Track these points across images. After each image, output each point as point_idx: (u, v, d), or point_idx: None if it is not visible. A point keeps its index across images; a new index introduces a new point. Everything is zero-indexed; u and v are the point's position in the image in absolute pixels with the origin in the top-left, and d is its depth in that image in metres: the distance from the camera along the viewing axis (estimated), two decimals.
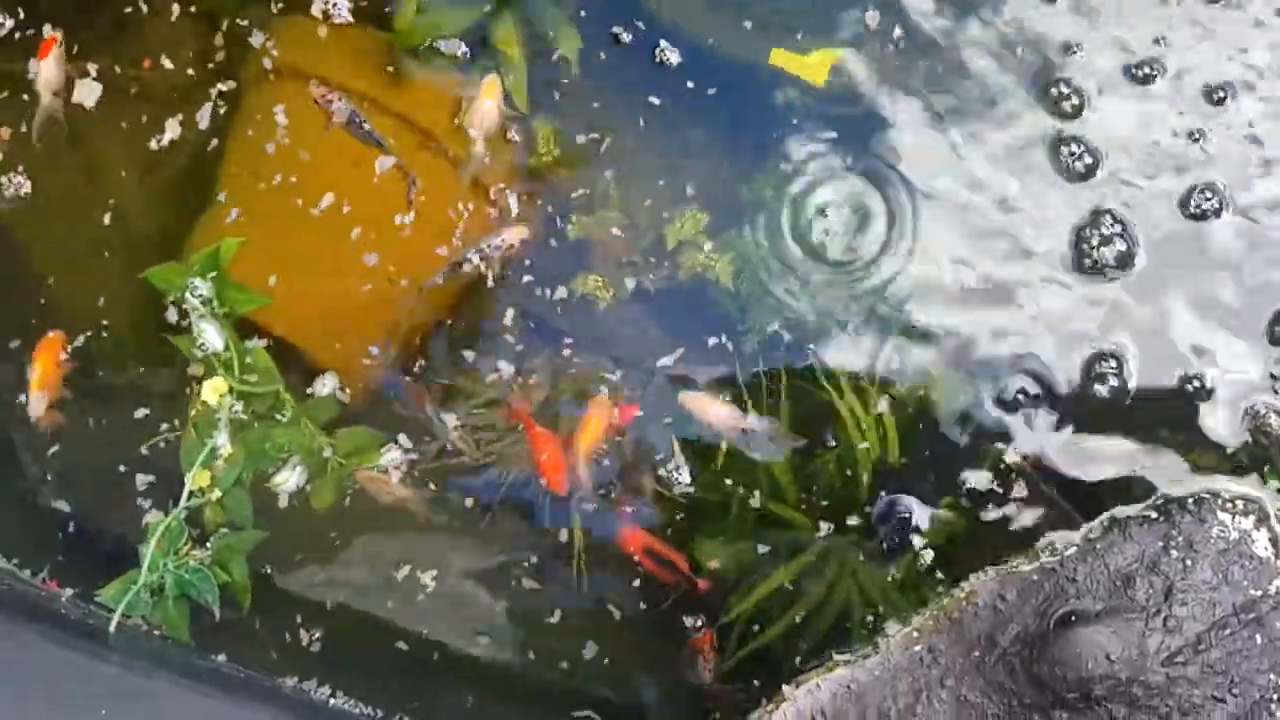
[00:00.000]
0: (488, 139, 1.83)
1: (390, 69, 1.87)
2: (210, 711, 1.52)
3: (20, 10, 1.93)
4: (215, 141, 1.90)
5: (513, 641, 1.80)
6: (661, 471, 1.79)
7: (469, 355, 1.86)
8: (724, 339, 1.83)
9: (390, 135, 1.83)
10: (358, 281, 1.82)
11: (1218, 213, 1.75)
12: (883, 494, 1.74)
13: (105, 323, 1.87)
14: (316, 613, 1.80)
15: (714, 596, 1.77)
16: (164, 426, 1.82)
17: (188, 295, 1.72)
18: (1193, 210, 1.74)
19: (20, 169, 1.90)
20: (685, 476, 1.79)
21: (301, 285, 1.83)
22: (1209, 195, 1.74)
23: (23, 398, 1.82)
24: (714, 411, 1.78)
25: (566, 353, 1.84)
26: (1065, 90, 1.80)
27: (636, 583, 1.79)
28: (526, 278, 1.86)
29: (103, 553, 1.82)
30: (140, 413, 1.83)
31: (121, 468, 1.82)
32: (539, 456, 1.77)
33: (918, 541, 1.71)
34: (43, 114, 1.88)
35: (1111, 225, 1.75)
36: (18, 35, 1.93)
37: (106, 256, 1.90)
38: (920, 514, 1.72)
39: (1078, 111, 1.79)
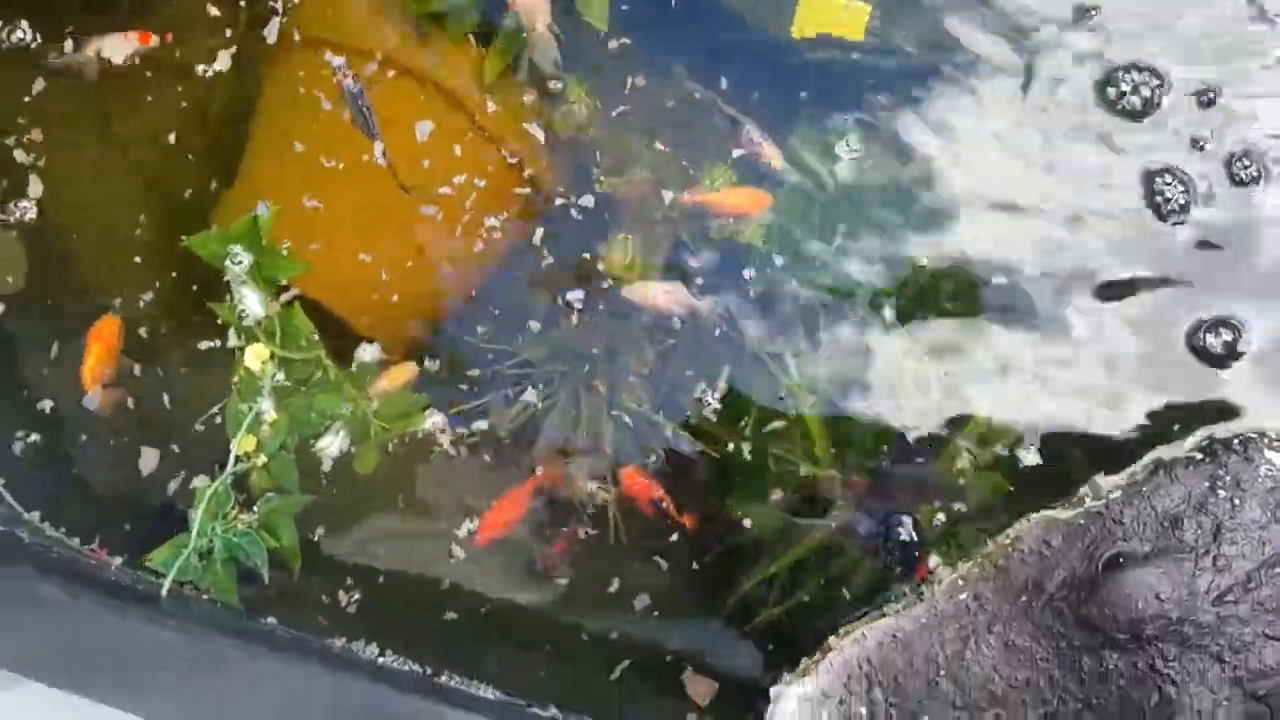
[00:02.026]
0: (543, 24, 1.82)
1: (417, 31, 1.87)
2: (272, 673, 1.54)
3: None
4: (241, 110, 1.91)
5: (554, 598, 1.81)
6: (696, 394, 1.79)
7: (500, 316, 1.87)
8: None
9: (419, 97, 1.83)
10: (390, 250, 1.83)
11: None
12: (879, 515, 1.73)
13: (146, 297, 1.89)
14: (364, 575, 1.81)
15: (745, 551, 1.77)
16: (209, 397, 1.84)
17: (228, 263, 1.74)
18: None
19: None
20: (714, 399, 1.79)
21: (334, 254, 1.83)
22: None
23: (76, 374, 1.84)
24: (656, 295, 1.77)
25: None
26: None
27: (675, 537, 1.79)
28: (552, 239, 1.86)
29: (150, 524, 1.84)
30: (185, 384, 1.86)
31: (167, 439, 1.85)
32: None
33: (930, 560, 1.70)
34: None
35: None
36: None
37: (138, 233, 1.91)
38: (912, 530, 1.71)
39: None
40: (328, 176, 1.83)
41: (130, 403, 1.86)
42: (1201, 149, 1.71)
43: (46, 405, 1.87)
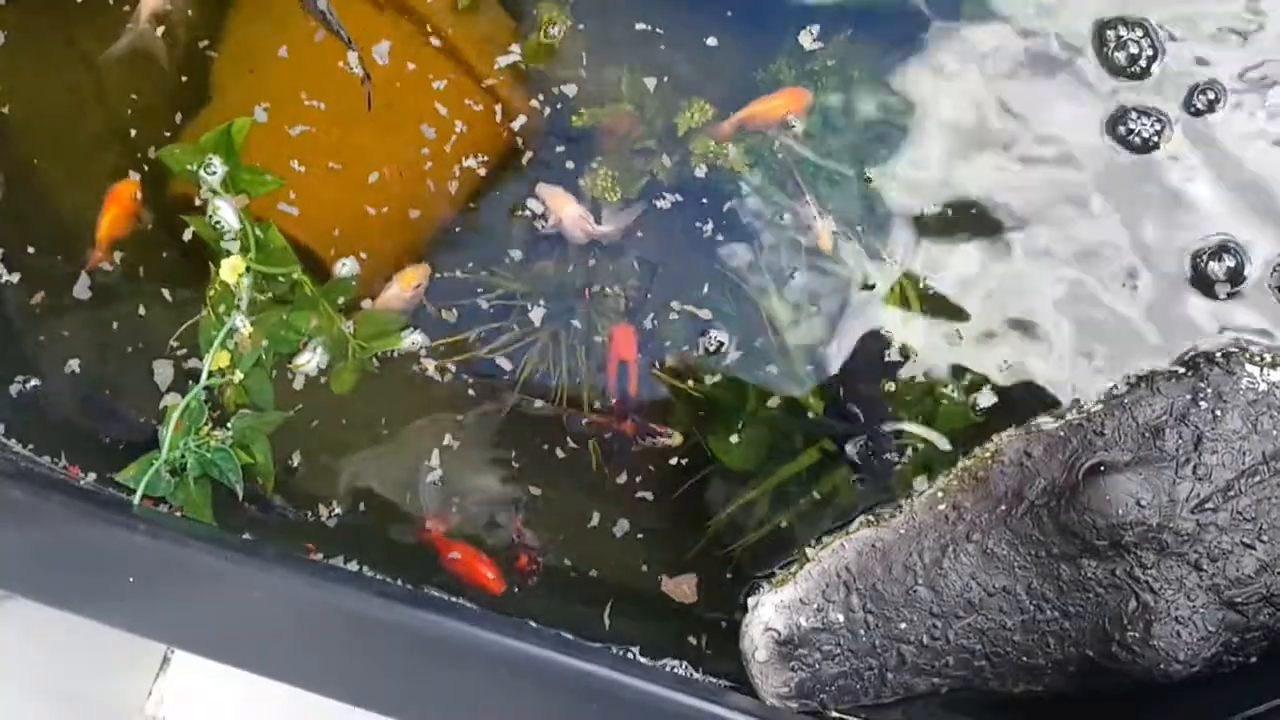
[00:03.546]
0: None
1: None
2: (243, 578, 1.51)
3: None
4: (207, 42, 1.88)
5: (541, 523, 1.80)
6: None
7: (481, 247, 1.84)
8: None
9: (396, 28, 1.81)
10: (364, 181, 1.81)
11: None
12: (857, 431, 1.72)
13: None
14: (343, 497, 1.79)
15: (724, 478, 1.76)
16: (183, 315, 1.82)
17: (202, 173, 1.71)
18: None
19: None
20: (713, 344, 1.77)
21: (307, 183, 1.81)
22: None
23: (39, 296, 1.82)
24: (566, 210, 1.74)
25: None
26: None
27: (652, 468, 1.78)
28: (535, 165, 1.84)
29: (123, 442, 1.82)
30: (160, 302, 1.83)
31: (141, 357, 1.82)
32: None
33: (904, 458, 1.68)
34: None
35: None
36: None
37: (109, 160, 1.86)
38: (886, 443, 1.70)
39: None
40: (297, 109, 1.80)
41: (106, 317, 1.83)
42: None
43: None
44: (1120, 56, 1.70)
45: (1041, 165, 1.73)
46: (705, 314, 1.78)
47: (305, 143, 1.82)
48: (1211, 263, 1.63)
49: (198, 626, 1.44)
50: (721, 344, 1.76)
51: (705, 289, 1.78)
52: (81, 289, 1.82)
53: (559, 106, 1.83)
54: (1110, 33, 1.72)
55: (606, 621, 1.73)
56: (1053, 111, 1.73)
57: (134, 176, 1.82)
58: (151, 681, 1.93)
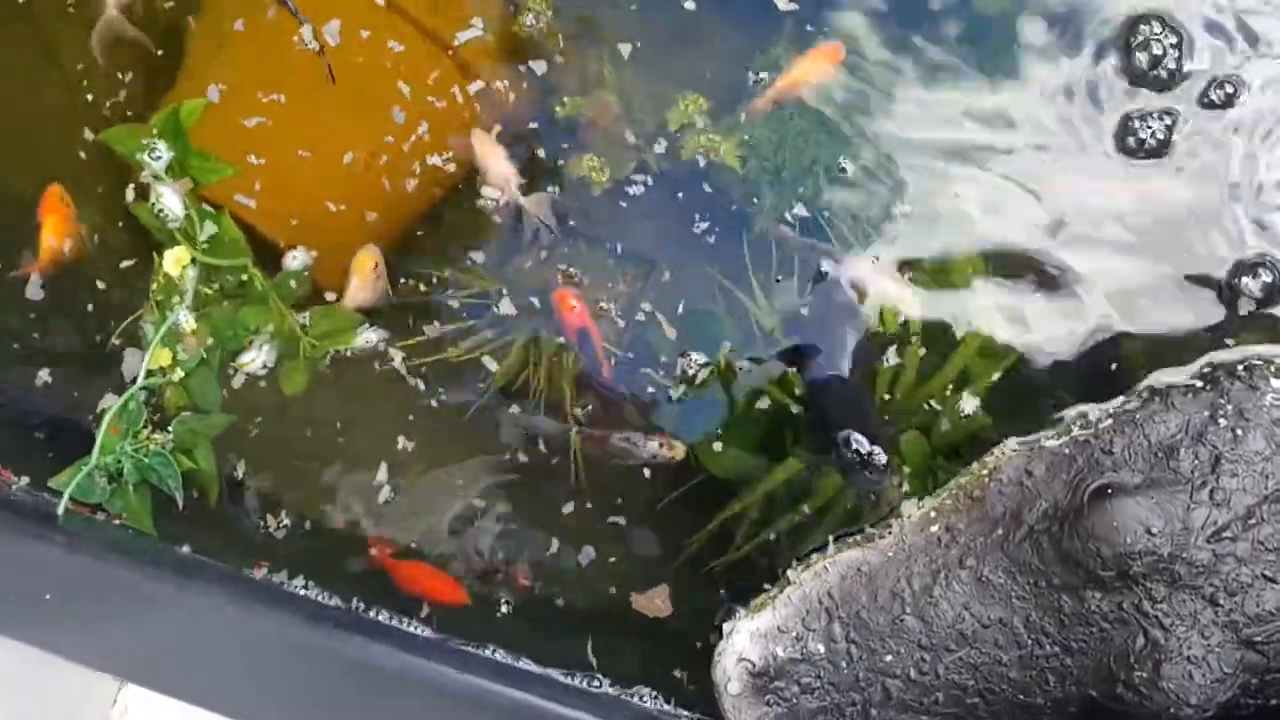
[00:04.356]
0: None
1: None
2: (164, 598, 1.40)
3: None
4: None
5: (506, 544, 1.69)
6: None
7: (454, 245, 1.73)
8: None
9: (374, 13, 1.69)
10: (335, 167, 1.69)
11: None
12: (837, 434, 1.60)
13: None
14: (293, 507, 1.67)
15: (719, 488, 1.64)
16: (129, 309, 1.70)
17: (145, 158, 1.60)
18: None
19: None
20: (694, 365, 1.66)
21: (275, 168, 1.69)
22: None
23: None
24: (495, 163, 1.63)
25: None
26: None
27: (634, 479, 1.66)
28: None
29: (63, 444, 1.70)
30: (102, 297, 1.72)
31: (86, 353, 1.71)
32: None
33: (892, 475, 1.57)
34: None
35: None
36: None
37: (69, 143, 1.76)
38: (871, 446, 1.57)
39: None
40: (271, 79, 1.68)
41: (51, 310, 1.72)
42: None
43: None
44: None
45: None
46: (672, 333, 1.67)
47: (271, 129, 1.70)
48: (1245, 278, 1.50)
49: (118, 647, 1.33)
50: (703, 364, 1.65)
51: (694, 292, 1.67)
52: (34, 289, 1.71)
53: (541, 94, 1.72)
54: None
55: (591, 656, 1.62)
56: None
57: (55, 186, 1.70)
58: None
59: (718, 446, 1.65)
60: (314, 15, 1.67)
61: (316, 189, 1.69)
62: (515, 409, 1.68)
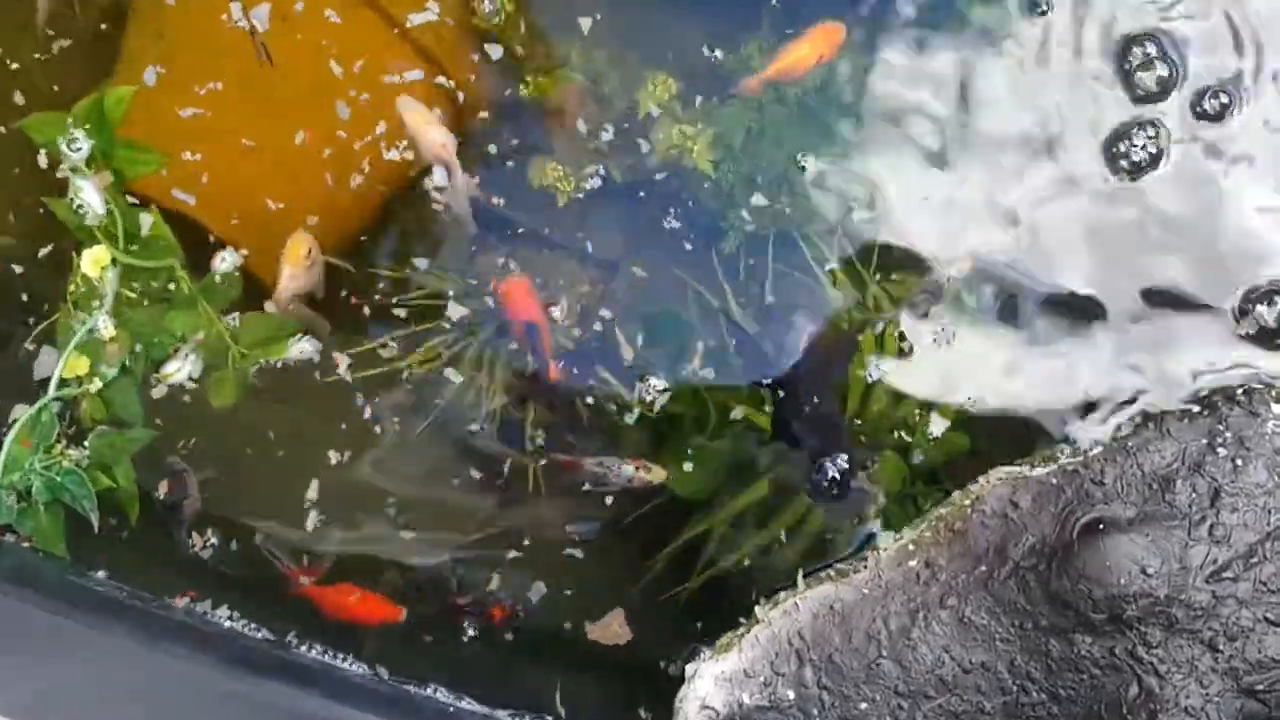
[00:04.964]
0: None
1: None
2: (81, 639, 1.28)
3: None
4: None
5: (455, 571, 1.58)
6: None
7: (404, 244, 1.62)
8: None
9: None
10: (279, 158, 1.58)
11: None
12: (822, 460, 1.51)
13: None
14: (218, 528, 1.56)
15: (681, 508, 1.54)
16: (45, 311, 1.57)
17: (64, 148, 1.47)
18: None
19: None
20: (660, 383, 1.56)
21: (217, 159, 1.58)
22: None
23: None
24: (428, 132, 1.53)
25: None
26: None
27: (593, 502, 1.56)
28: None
29: None
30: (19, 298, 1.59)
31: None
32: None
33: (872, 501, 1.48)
34: None
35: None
36: None
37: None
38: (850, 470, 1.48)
39: None
40: (209, 78, 1.57)
41: None
42: None
43: None
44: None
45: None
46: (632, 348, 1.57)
47: (211, 120, 1.58)
48: (1260, 306, 1.42)
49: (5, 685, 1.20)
50: (663, 390, 1.55)
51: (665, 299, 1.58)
52: None
53: (507, 80, 1.63)
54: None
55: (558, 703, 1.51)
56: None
57: None
58: None
59: (688, 467, 1.55)
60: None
61: (260, 183, 1.58)
62: (472, 427, 1.57)
